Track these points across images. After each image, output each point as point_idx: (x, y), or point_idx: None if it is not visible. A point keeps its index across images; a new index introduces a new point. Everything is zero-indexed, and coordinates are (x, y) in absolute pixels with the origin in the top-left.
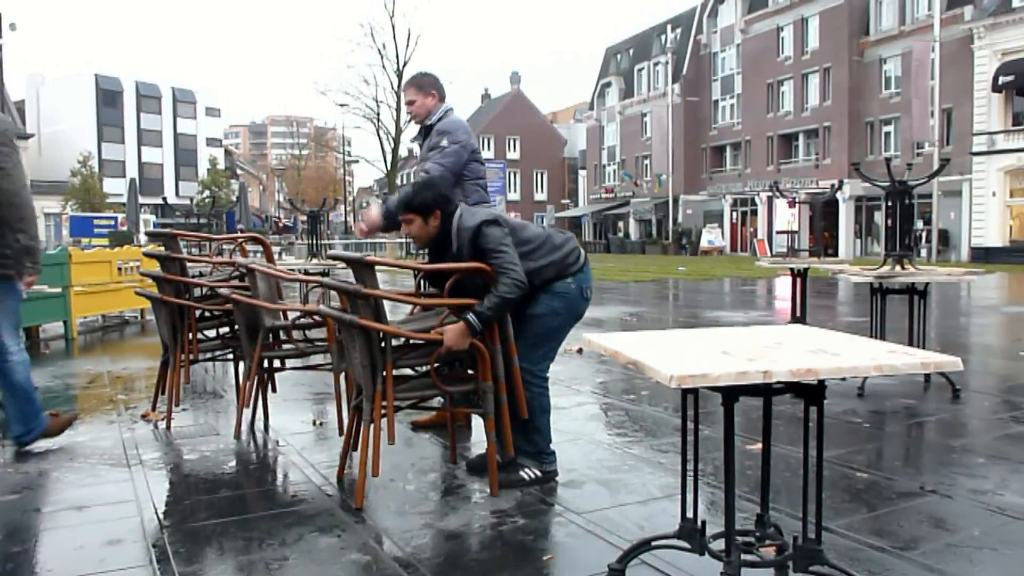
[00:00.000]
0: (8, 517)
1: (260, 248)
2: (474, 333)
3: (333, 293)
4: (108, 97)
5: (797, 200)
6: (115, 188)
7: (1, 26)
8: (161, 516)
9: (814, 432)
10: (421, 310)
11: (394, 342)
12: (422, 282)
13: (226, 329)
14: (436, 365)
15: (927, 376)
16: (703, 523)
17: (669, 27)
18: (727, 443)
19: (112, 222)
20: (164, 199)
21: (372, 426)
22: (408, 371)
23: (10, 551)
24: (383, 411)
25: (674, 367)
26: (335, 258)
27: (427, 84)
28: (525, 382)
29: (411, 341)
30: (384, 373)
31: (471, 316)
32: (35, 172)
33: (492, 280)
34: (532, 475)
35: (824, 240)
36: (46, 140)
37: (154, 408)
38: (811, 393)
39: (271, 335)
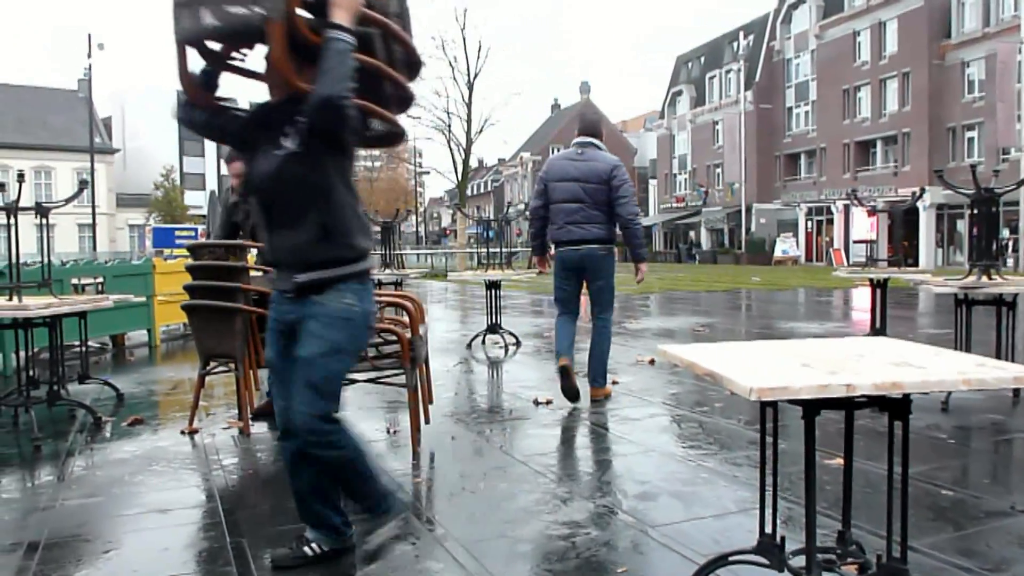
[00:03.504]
0: (96, 518)
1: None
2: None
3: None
4: None
5: (877, 209)
6: (195, 200)
7: (91, 46)
8: (241, 521)
9: (896, 447)
10: None
11: None
12: None
13: None
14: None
15: (1016, 391)
16: (782, 539)
17: (741, 34)
18: (808, 457)
19: (192, 233)
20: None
21: None
22: None
23: (99, 551)
24: None
25: (754, 379)
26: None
27: None
28: (322, 445)
29: None
30: None
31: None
32: (120, 185)
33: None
34: (317, 550)
35: (903, 250)
36: (131, 155)
37: (241, 416)
38: (896, 407)
39: None
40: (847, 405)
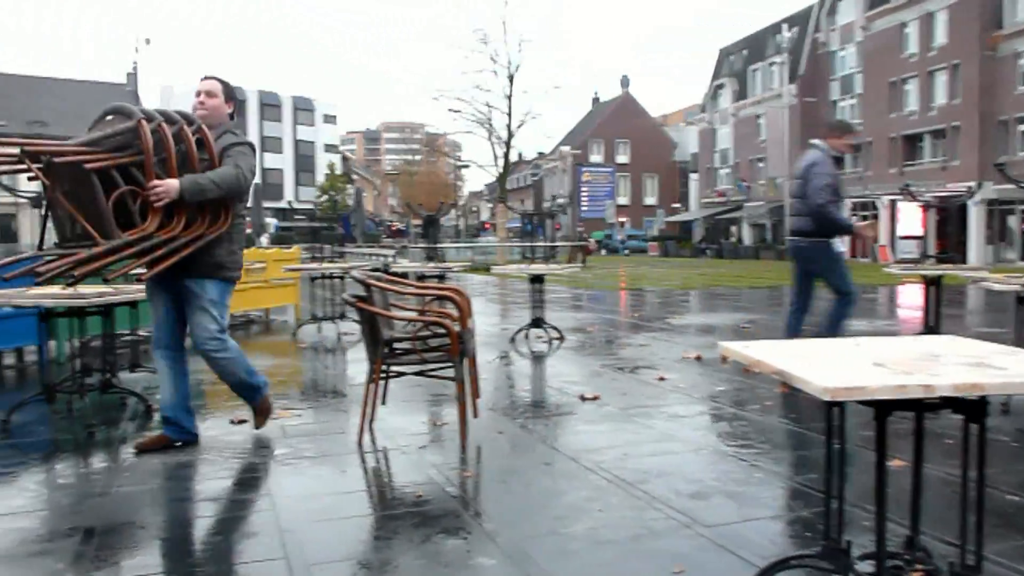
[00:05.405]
0: (148, 505)
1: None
2: None
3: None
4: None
5: (929, 204)
6: None
7: (138, 41)
8: (291, 510)
9: (961, 449)
10: None
11: None
12: None
13: None
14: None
15: None
16: (848, 543)
17: (785, 26)
18: (879, 460)
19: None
20: (289, 203)
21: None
22: None
23: (153, 538)
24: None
25: (827, 379)
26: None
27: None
28: None
29: None
30: None
31: None
32: None
33: None
34: None
35: (956, 246)
36: None
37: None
38: (972, 409)
39: (390, 346)
40: (918, 407)
